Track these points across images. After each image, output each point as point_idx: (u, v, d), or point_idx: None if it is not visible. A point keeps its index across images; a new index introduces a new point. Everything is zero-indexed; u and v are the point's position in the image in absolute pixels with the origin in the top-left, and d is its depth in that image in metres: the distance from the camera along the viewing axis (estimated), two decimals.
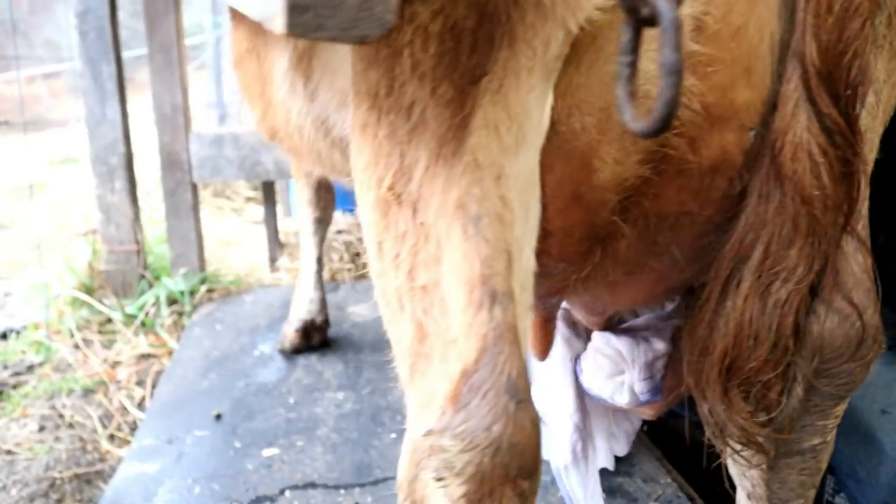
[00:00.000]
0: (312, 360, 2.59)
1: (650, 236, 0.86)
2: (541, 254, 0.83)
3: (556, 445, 1.37)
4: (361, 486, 1.89)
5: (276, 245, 3.40)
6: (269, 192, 3.30)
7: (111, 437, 2.39)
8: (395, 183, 0.69)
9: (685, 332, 0.90)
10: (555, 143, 0.77)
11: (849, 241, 0.80)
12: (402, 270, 0.70)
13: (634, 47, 0.46)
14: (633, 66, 0.47)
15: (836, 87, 0.72)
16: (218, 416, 2.22)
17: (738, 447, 0.86)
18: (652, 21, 0.44)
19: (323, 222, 2.50)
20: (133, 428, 2.42)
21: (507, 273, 0.66)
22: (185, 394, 2.37)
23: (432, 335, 0.69)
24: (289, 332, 2.59)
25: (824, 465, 0.92)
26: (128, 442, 2.34)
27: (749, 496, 0.97)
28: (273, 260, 3.37)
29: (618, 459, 1.89)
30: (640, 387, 1.15)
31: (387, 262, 0.72)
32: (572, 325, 1.38)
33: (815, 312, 0.81)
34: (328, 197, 2.48)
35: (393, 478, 1.94)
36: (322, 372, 2.51)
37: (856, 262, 0.81)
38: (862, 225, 0.82)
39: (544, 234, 0.83)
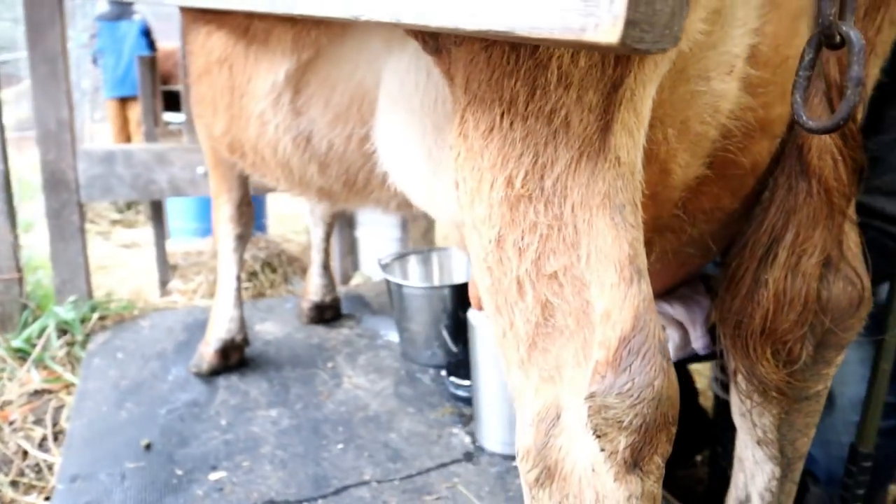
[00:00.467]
0: (233, 380, 2.51)
1: (689, 228, 1.00)
2: None
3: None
4: (324, 497, 1.88)
5: (167, 267, 3.22)
6: (157, 213, 3.14)
7: (14, 484, 2.17)
8: (527, 181, 0.76)
9: (721, 304, 1.05)
10: None
11: (847, 222, 0.99)
12: (527, 258, 0.77)
13: (814, 64, 0.59)
14: (809, 79, 0.59)
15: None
16: (148, 446, 2.09)
17: (765, 395, 1.03)
18: (839, 45, 0.56)
19: (243, 239, 2.44)
20: (38, 471, 2.21)
21: (643, 253, 0.76)
22: (103, 427, 2.20)
23: (560, 313, 0.76)
24: (207, 353, 2.49)
25: (822, 407, 1.11)
26: (34, 487, 2.13)
27: (759, 442, 1.14)
28: (164, 283, 3.19)
29: None
30: (701, 343, 1.23)
31: (509, 252, 0.78)
32: None
33: (827, 281, 1.00)
34: (249, 213, 2.43)
35: (353, 485, 1.95)
36: (247, 391, 2.44)
37: (852, 239, 1.01)
38: (852, 209, 1.02)
39: None
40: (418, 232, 3.76)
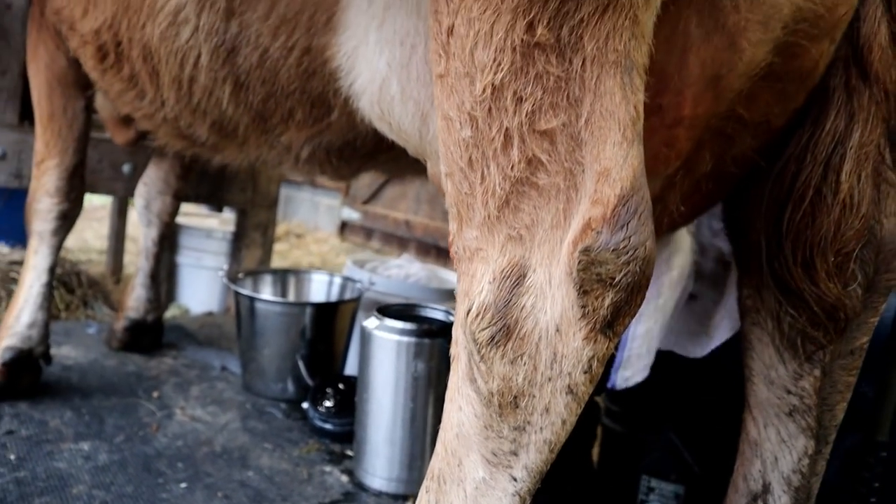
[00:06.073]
0: (21, 408, 1.97)
1: (739, 136, 0.97)
2: (666, 146, 0.85)
3: None
4: None
5: None
6: None
7: None
8: (550, 27, 0.74)
9: (773, 223, 1.00)
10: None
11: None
12: (523, 110, 0.77)
13: None
14: None
15: None
16: None
17: (811, 337, 1.02)
18: None
19: (68, 219, 1.97)
20: None
21: (642, 118, 0.76)
22: None
23: (547, 172, 0.78)
24: None
25: (860, 366, 1.05)
26: None
27: (793, 412, 1.05)
28: None
29: None
30: None
31: (505, 102, 0.77)
32: None
33: (881, 215, 0.99)
34: (80, 188, 1.96)
35: None
36: (45, 421, 1.92)
37: None
38: None
39: (674, 123, 0.87)
40: (252, 262, 3.37)
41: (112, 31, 1.29)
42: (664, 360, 2.02)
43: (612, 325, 0.76)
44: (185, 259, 3.50)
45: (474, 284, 0.82)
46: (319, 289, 2.62)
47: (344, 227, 7.51)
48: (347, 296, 2.53)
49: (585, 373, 0.78)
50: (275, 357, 2.29)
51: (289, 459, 1.90)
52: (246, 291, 2.31)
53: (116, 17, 1.28)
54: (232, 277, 2.42)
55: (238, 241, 3.42)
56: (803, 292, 0.98)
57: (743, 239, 1.08)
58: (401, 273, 3.02)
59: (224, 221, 3.90)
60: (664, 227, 1.02)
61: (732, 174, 1.00)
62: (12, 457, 1.72)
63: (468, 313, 0.82)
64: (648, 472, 1.99)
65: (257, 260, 3.41)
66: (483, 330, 0.80)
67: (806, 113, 0.99)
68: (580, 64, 0.75)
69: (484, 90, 0.78)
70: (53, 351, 2.39)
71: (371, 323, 1.79)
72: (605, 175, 0.74)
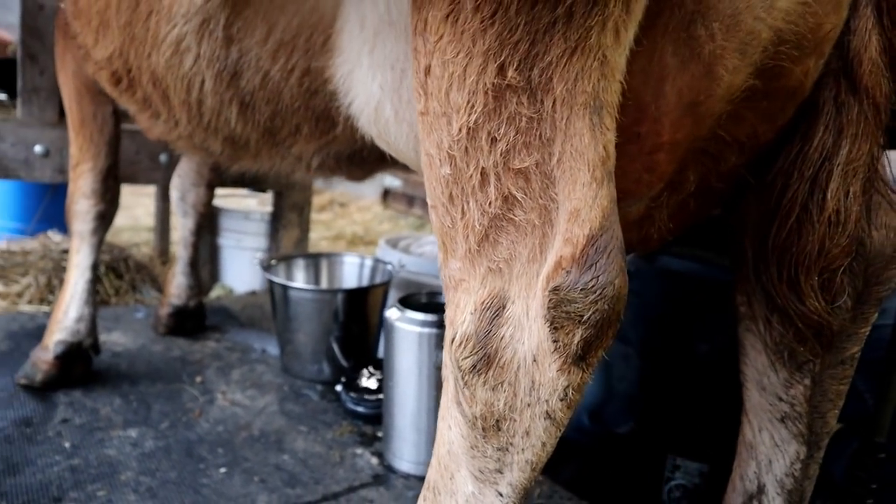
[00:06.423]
0: (76, 396, 2.10)
1: (727, 155, 0.98)
2: (647, 171, 0.87)
3: None
4: None
5: None
6: None
7: None
8: (519, 69, 0.76)
9: (760, 239, 1.01)
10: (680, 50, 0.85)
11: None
12: (498, 149, 0.79)
13: None
14: None
15: (894, 13, 0.93)
16: None
17: (798, 352, 1.03)
18: None
19: (106, 219, 2.07)
20: None
21: (614, 156, 0.78)
22: None
23: (522, 208, 0.80)
24: (43, 360, 2.07)
25: (853, 373, 1.07)
26: None
27: (784, 418, 1.08)
28: None
29: None
30: None
31: (480, 142, 0.80)
32: None
33: (869, 226, 1.00)
34: (115, 188, 2.06)
35: None
36: (96, 409, 2.05)
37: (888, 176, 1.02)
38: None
39: (654, 149, 0.89)
40: (290, 242, 3.48)
41: (122, 58, 1.36)
42: (686, 346, 2.04)
43: (584, 357, 0.79)
44: (226, 241, 3.62)
45: (458, 314, 0.86)
46: (351, 272, 2.69)
47: (386, 194, 7.59)
48: (379, 278, 2.60)
49: (562, 400, 0.81)
50: (309, 340, 2.39)
51: (322, 442, 2.00)
52: (279, 279, 2.40)
53: (124, 47, 1.34)
54: (265, 265, 2.51)
55: (275, 223, 3.52)
56: (788, 309, 0.99)
57: (737, 245, 1.10)
58: (434, 251, 3.08)
59: (263, 201, 4.01)
60: (654, 242, 1.04)
61: (720, 189, 1.01)
62: (67, 444, 1.85)
63: (452, 341, 0.86)
64: (674, 450, 2.03)
65: (295, 240, 3.51)
66: (465, 358, 0.84)
67: (795, 127, 0.98)
68: (551, 105, 0.77)
69: (460, 130, 0.81)
70: (104, 337, 2.54)
71: (393, 314, 1.85)
72: (575, 215, 0.77)
